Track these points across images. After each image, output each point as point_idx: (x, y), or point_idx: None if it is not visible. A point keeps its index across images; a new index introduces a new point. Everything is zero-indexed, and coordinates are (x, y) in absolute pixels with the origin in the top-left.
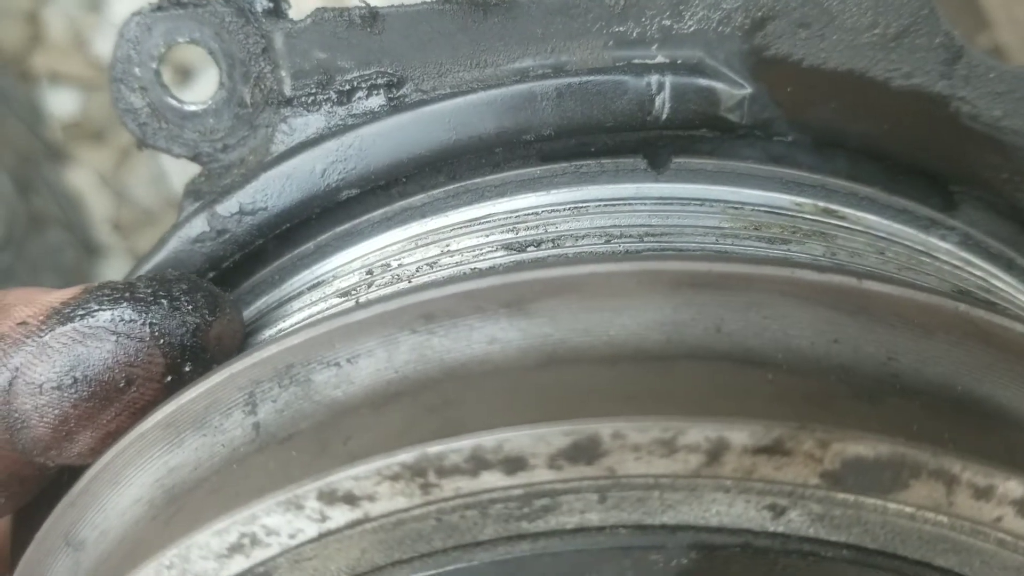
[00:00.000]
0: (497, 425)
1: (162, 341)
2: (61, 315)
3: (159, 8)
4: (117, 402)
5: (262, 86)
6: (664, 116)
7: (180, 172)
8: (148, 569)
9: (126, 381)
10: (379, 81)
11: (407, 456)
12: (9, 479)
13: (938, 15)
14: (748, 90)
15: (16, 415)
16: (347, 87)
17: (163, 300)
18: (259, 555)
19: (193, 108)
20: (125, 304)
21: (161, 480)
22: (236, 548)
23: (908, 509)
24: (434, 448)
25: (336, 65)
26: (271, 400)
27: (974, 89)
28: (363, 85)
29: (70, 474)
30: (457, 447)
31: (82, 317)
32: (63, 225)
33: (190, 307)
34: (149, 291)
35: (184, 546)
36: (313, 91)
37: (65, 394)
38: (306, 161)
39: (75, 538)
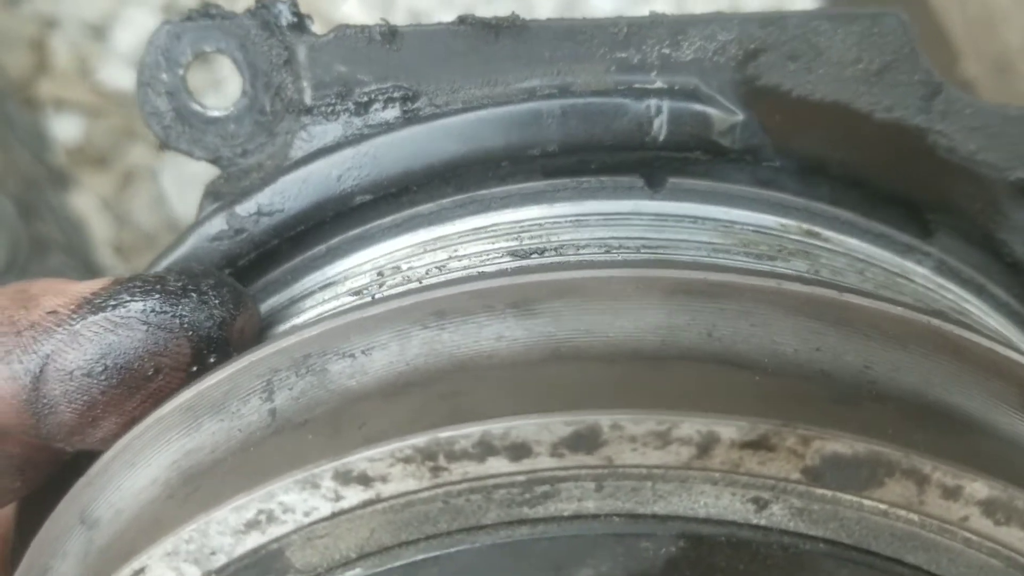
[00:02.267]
0: (504, 414)
1: (190, 333)
2: (92, 305)
3: (188, 18)
4: (143, 390)
5: (283, 96)
6: (661, 138)
7: (179, 197)
8: (167, 543)
9: (154, 370)
10: (395, 95)
11: (420, 440)
12: (25, 464)
13: (918, 54)
14: (740, 117)
15: (44, 401)
16: (365, 99)
17: (192, 294)
18: (274, 532)
19: (216, 114)
20: (157, 296)
21: (178, 462)
22: (253, 524)
23: (882, 506)
24: (445, 433)
25: (355, 78)
26: (288, 388)
27: (951, 124)
28: (380, 98)
29: (79, 461)
30: (467, 433)
31: (114, 307)
32: (65, 249)
33: (217, 301)
34: (179, 284)
35: (203, 522)
36: (332, 101)
37: (94, 381)
38: (323, 167)
39: (90, 517)
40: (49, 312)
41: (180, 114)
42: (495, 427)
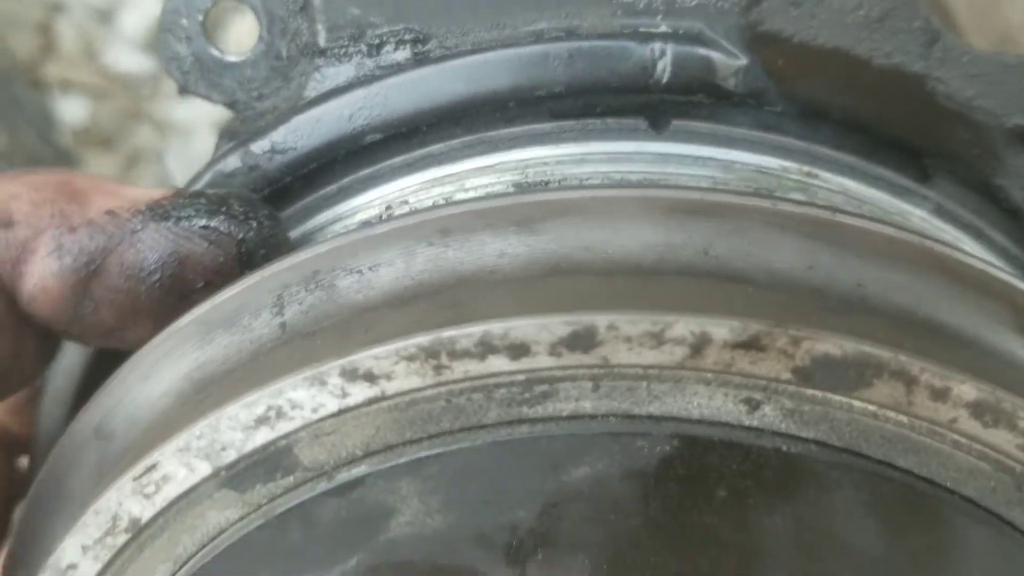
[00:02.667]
0: (505, 316)
1: (244, 256)
2: (157, 213)
3: None
4: (187, 300)
5: (298, 40)
6: (665, 80)
7: (184, 179)
8: (179, 440)
9: (203, 284)
10: (406, 37)
11: (423, 339)
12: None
13: (918, 2)
14: (743, 61)
15: (89, 300)
16: (377, 41)
17: (252, 221)
18: (283, 428)
19: (233, 59)
20: (222, 217)
21: (191, 374)
22: (262, 420)
23: (871, 407)
24: (447, 333)
25: (368, 21)
26: (297, 303)
27: (949, 70)
28: (391, 40)
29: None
30: (468, 332)
31: (179, 219)
32: None
33: (269, 233)
34: (242, 211)
35: (215, 418)
36: (345, 44)
37: (144, 287)
38: (335, 107)
39: (103, 429)
40: (107, 212)
41: (199, 60)
42: (495, 327)
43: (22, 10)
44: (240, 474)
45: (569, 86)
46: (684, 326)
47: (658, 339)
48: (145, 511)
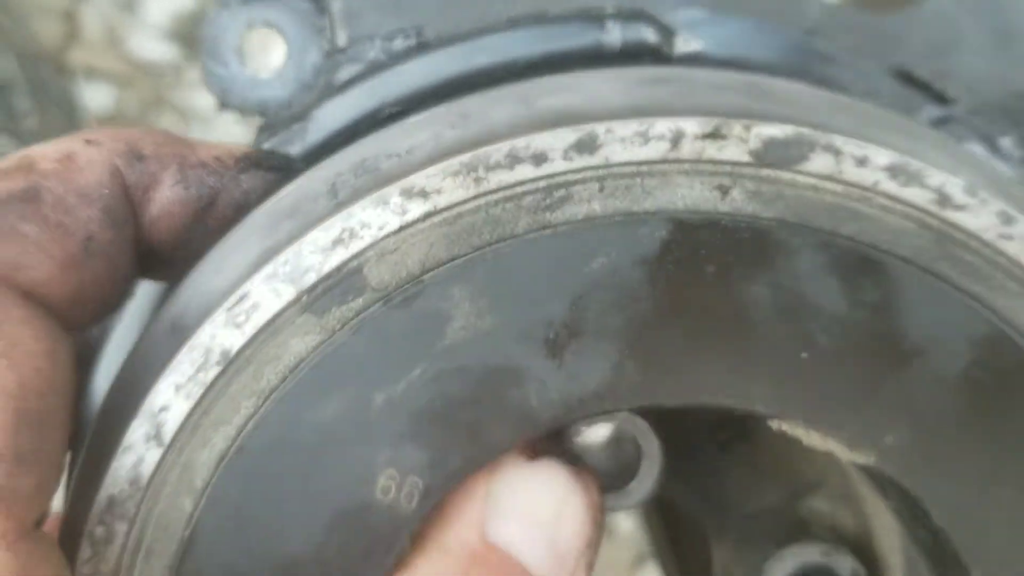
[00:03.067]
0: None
1: None
2: (253, 161)
3: (244, 1)
4: None
5: (321, 48)
6: (617, 50)
7: None
8: (267, 268)
9: None
10: (410, 31)
11: (464, 156)
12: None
13: None
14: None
15: (201, 227)
16: (387, 36)
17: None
18: (355, 247)
19: (265, 76)
20: (288, 167)
21: (260, 257)
22: (338, 241)
23: (811, 181)
24: (482, 149)
25: (379, 20)
26: (349, 186)
27: None
28: (399, 35)
29: None
30: (499, 147)
31: (268, 168)
32: None
33: None
34: (302, 166)
35: (298, 244)
36: (362, 42)
37: (235, 219)
38: (358, 91)
39: (179, 325)
40: (215, 157)
41: (235, 79)
42: (519, 141)
43: None
44: (318, 298)
45: (542, 58)
46: (663, 124)
47: (645, 136)
48: (235, 341)
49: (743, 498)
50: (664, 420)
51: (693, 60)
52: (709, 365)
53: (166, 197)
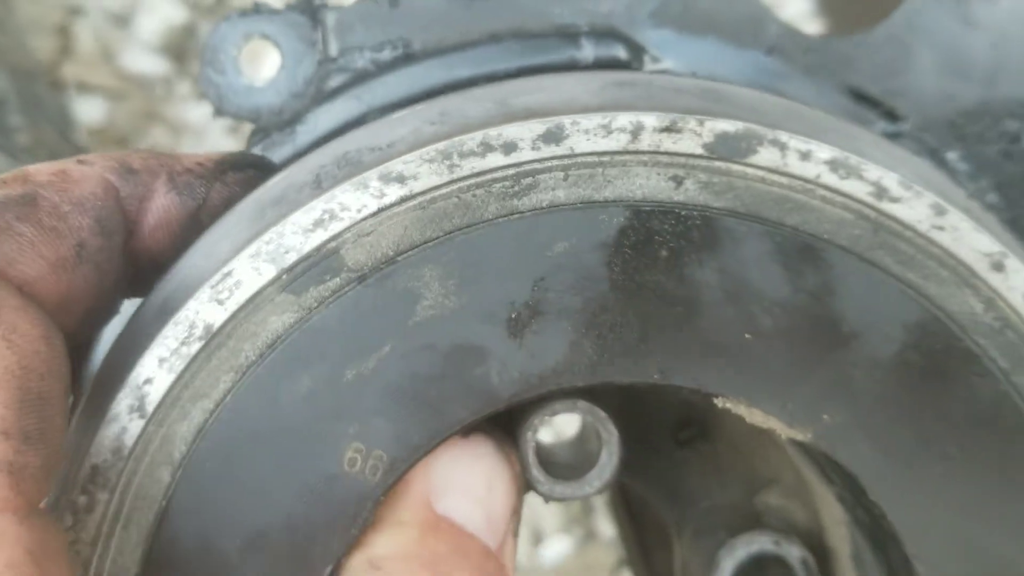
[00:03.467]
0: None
1: None
2: (231, 163)
3: (243, 14)
4: None
5: (314, 58)
6: (591, 62)
7: None
8: (251, 247)
9: None
10: (398, 43)
11: (440, 144)
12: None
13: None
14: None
15: (198, 226)
16: (376, 47)
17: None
18: (334, 228)
19: (260, 85)
20: (265, 168)
21: (248, 240)
22: (319, 223)
23: (760, 173)
24: (458, 137)
25: (369, 33)
26: (332, 177)
27: None
28: (387, 46)
29: None
30: (472, 136)
31: (245, 167)
32: None
33: None
34: (278, 167)
35: (281, 224)
36: (352, 52)
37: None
38: (344, 99)
39: (168, 306)
40: (197, 163)
41: (232, 87)
42: (492, 131)
43: (42, 12)
44: (297, 277)
45: (520, 71)
46: (625, 117)
47: (607, 129)
48: (218, 317)
49: (702, 493)
50: (628, 418)
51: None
52: (659, 345)
53: (161, 205)
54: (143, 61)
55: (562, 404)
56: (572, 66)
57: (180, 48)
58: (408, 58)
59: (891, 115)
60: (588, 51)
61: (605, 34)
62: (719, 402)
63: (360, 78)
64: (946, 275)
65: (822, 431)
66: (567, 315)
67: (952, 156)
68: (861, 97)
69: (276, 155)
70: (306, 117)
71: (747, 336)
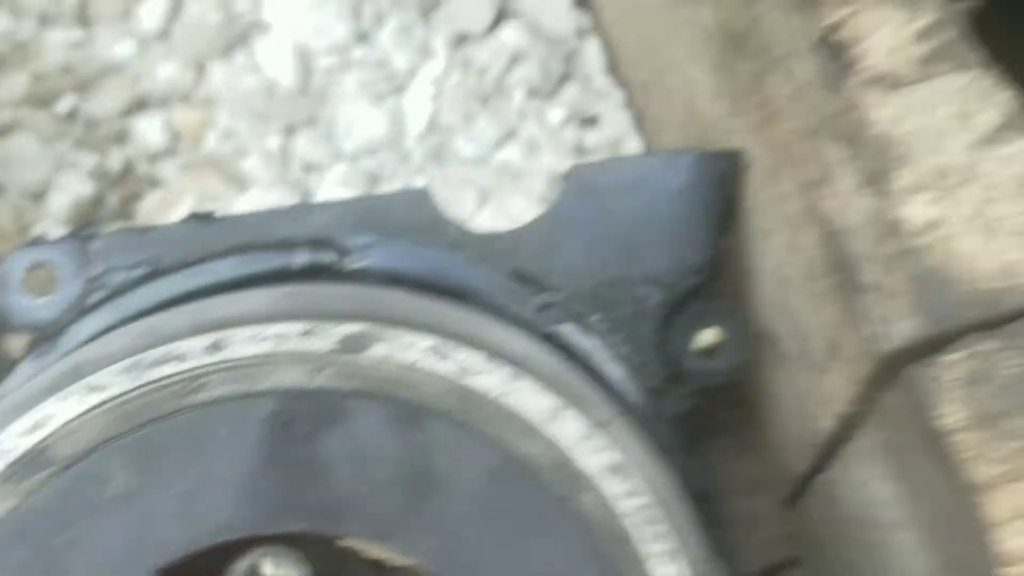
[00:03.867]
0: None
1: None
2: None
3: (28, 244)
4: None
5: (84, 280)
6: (301, 269)
7: None
8: None
9: None
10: (149, 261)
11: (132, 358)
12: None
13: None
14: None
15: None
16: (131, 267)
17: None
18: (44, 431)
19: (39, 303)
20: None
21: None
22: (34, 428)
23: (373, 363)
24: (146, 352)
25: (125, 255)
26: (57, 387)
27: None
28: (140, 265)
29: None
30: (158, 349)
31: None
32: None
33: None
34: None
35: (4, 432)
36: (112, 272)
37: None
38: (103, 311)
39: None
40: None
41: (17, 305)
42: (172, 345)
43: None
44: (16, 471)
45: (244, 277)
46: (277, 327)
47: (261, 336)
48: None
49: None
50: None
51: (361, 273)
52: (302, 499)
53: None
54: (53, 232)
55: (257, 552)
56: (286, 271)
57: (85, 218)
58: (157, 273)
59: (546, 289)
60: (302, 258)
61: (318, 243)
62: (343, 542)
63: (117, 292)
64: (516, 427)
65: (427, 557)
66: (229, 483)
67: (595, 318)
68: (522, 276)
69: (42, 363)
70: (69, 328)
71: (363, 488)
